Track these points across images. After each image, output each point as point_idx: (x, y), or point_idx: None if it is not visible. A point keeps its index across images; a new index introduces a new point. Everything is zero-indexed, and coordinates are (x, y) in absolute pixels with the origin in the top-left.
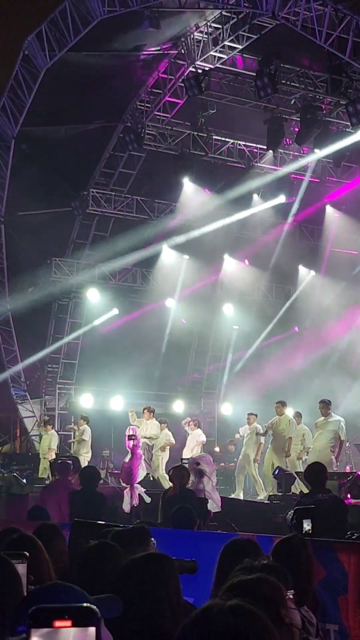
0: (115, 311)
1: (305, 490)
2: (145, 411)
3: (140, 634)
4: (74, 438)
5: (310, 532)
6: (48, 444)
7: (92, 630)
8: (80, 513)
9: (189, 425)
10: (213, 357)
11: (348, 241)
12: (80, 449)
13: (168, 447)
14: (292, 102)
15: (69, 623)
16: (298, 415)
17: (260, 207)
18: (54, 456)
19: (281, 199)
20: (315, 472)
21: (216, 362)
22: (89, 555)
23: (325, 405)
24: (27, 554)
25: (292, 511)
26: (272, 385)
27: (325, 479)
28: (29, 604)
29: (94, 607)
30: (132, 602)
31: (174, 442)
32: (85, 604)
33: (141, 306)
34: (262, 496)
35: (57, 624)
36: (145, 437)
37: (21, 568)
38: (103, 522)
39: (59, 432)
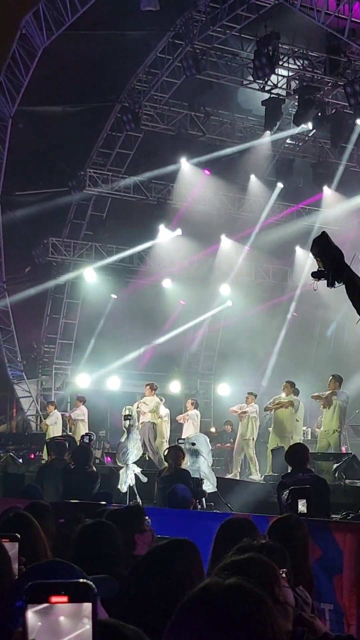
0: (113, 296)
1: None
2: (148, 387)
3: (165, 618)
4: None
5: (304, 512)
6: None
7: (88, 606)
8: (73, 491)
9: (188, 407)
10: (210, 338)
11: (345, 222)
12: (80, 430)
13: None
14: (290, 82)
15: (65, 599)
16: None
17: (257, 188)
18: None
19: (279, 184)
20: (295, 452)
21: (212, 342)
22: (85, 534)
23: (334, 380)
24: (18, 535)
25: (287, 491)
26: (270, 366)
27: (307, 459)
28: (26, 580)
29: (91, 583)
30: (158, 586)
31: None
32: (81, 580)
33: (138, 286)
34: (256, 476)
35: (54, 599)
36: (149, 412)
37: (11, 547)
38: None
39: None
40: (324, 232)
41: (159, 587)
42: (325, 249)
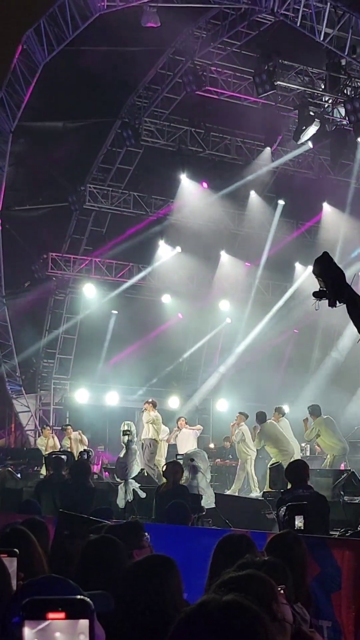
0: (114, 312)
1: None
2: (149, 405)
3: (145, 632)
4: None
5: (302, 528)
6: (52, 446)
7: (85, 622)
8: (70, 507)
9: (179, 426)
10: (208, 354)
11: (345, 238)
12: (79, 447)
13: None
14: (291, 99)
15: (62, 615)
16: (279, 410)
17: (257, 204)
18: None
19: (280, 200)
20: (295, 469)
21: (211, 358)
22: (90, 549)
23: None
24: (17, 551)
25: (285, 507)
26: (268, 383)
27: (306, 476)
28: (23, 596)
29: (88, 599)
30: (138, 602)
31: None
32: (79, 596)
33: (137, 301)
34: (255, 493)
35: (51, 615)
36: (150, 424)
37: (10, 563)
38: (87, 516)
39: (54, 427)
40: (325, 253)
41: (139, 602)
42: (326, 269)
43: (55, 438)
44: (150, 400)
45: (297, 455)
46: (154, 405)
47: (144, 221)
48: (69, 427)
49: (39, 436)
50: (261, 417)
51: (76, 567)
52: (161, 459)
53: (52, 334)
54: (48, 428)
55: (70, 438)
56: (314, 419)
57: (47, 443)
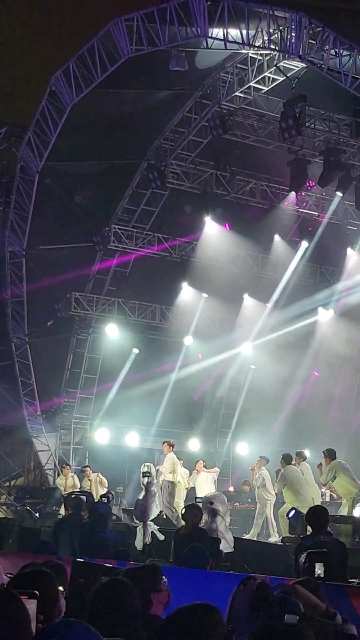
0: (135, 350)
1: None
2: (165, 445)
3: None
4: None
5: (321, 576)
6: (71, 486)
7: None
8: (89, 548)
9: (197, 469)
10: (229, 397)
11: None
12: (99, 489)
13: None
14: (316, 144)
15: None
16: (299, 455)
17: (281, 248)
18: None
19: (303, 244)
20: (316, 514)
21: (232, 401)
22: (101, 592)
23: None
24: (37, 593)
25: (305, 554)
26: (288, 427)
27: (327, 522)
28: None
29: None
30: None
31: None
32: None
33: (159, 343)
34: (273, 538)
35: None
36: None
37: (29, 605)
38: (103, 564)
39: (73, 467)
40: None
41: None
42: None
43: (75, 477)
44: (166, 441)
45: (317, 502)
46: (171, 446)
47: (168, 262)
48: (88, 468)
49: (58, 475)
50: (287, 459)
51: (87, 610)
52: (180, 501)
53: (74, 373)
54: (68, 467)
55: (90, 480)
56: (329, 462)
57: (66, 482)
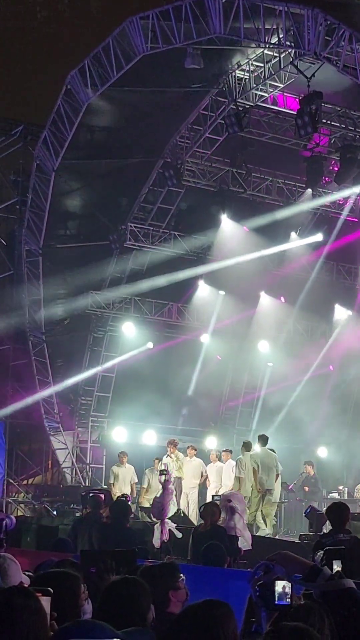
0: (150, 345)
1: None
2: (170, 444)
3: None
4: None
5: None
6: (130, 479)
7: None
8: (108, 547)
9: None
10: (247, 394)
11: None
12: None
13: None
14: (332, 141)
15: None
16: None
17: (297, 244)
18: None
19: (318, 237)
20: (337, 511)
21: (250, 399)
22: (111, 591)
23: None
24: (51, 590)
25: (322, 552)
26: (303, 424)
27: (347, 519)
28: (61, 638)
29: None
30: None
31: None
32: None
33: (176, 341)
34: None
35: None
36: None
37: (45, 603)
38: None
39: (90, 465)
40: None
41: None
42: None
43: (132, 468)
44: (170, 439)
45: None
46: (174, 444)
47: (184, 260)
48: (124, 454)
49: (75, 474)
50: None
51: (96, 608)
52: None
53: (91, 371)
54: (125, 455)
55: (125, 467)
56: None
57: (124, 472)
